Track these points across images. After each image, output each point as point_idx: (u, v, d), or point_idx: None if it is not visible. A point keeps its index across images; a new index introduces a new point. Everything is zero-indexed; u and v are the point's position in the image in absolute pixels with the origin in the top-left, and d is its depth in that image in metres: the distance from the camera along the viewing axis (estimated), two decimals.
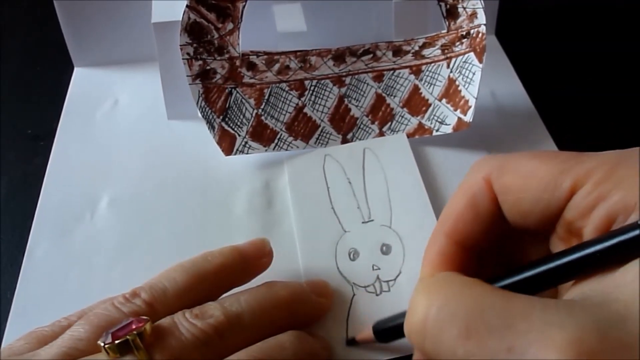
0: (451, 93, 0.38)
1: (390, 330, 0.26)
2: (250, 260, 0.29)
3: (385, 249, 0.32)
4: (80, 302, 0.28)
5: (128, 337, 0.22)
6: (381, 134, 0.38)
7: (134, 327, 0.23)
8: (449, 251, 0.23)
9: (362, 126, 0.38)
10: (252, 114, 0.37)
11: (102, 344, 0.23)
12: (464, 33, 0.37)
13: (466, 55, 0.37)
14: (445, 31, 0.37)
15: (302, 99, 0.37)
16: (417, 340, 0.20)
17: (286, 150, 0.37)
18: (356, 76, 0.38)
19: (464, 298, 0.19)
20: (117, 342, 0.22)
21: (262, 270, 0.29)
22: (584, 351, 0.16)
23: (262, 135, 0.37)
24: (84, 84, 0.44)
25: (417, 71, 0.38)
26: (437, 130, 0.38)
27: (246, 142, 0.37)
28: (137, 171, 0.37)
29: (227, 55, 0.36)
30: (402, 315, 0.24)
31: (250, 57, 0.36)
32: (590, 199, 0.20)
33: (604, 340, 0.16)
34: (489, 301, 0.19)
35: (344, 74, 0.38)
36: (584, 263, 0.19)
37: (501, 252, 0.24)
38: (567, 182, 0.20)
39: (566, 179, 0.20)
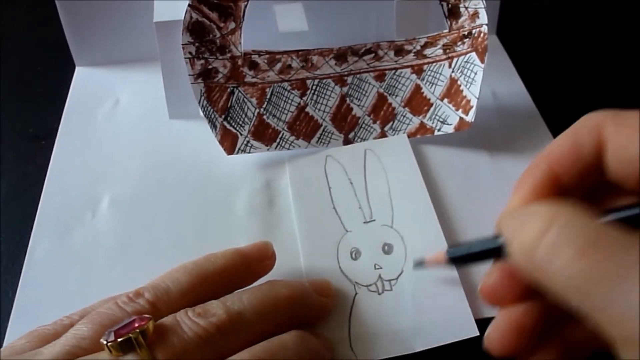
0: (453, 93, 0.38)
1: (467, 257, 0.26)
2: (253, 263, 0.29)
3: (387, 249, 0.32)
4: (82, 301, 0.28)
5: (131, 335, 0.22)
6: (383, 133, 0.38)
7: (136, 325, 0.23)
8: (547, 180, 0.23)
9: (363, 126, 0.38)
10: (254, 113, 0.37)
11: (105, 342, 0.23)
12: (466, 33, 0.37)
13: (468, 55, 0.37)
14: (447, 31, 0.37)
15: (304, 98, 0.37)
16: (526, 254, 0.20)
17: (288, 149, 0.37)
18: (358, 75, 0.38)
19: (584, 221, 0.19)
20: (119, 340, 0.22)
21: (264, 273, 0.30)
22: None
23: (264, 134, 0.37)
24: (86, 83, 0.43)
25: (418, 71, 0.38)
26: (438, 130, 0.38)
27: (248, 142, 0.37)
28: (138, 171, 0.37)
29: (229, 55, 0.35)
30: (482, 242, 0.25)
31: (252, 56, 0.36)
32: None
33: None
34: (609, 230, 0.19)
35: (346, 73, 0.38)
36: None
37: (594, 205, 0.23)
38: None
39: None
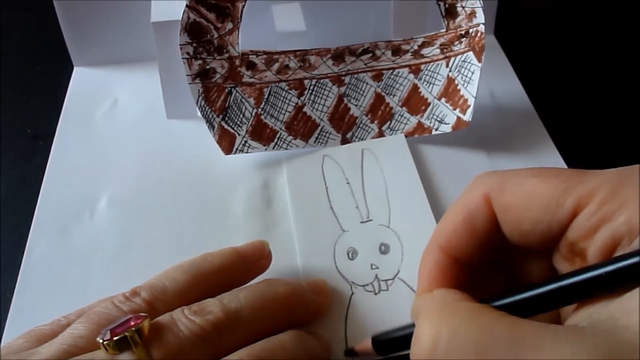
0: (450, 92, 0.38)
1: (389, 343, 0.25)
2: (249, 262, 0.29)
3: (384, 249, 0.32)
4: (79, 301, 0.28)
5: (126, 333, 0.22)
6: (380, 133, 0.38)
7: (132, 323, 0.23)
8: (444, 265, 0.23)
9: (361, 125, 0.38)
10: (251, 113, 0.37)
11: (101, 341, 0.23)
12: (463, 32, 0.37)
13: (465, 55, 0.37)
14: (444, 30, 0.37)
15: (302, 98, 0.38)
16: (421, 354, 0.20)
17: (286, 149, 0.37)
18: (355, 75, 0.38)
19: (473, 327, 0.19)
20: (115, 338, 0.22)
21: (261, 272, 0.30)
22: None
23: (262, 134, 0.37)
24: (84, 83, 0.44)
25: (416, 70, 0.38)
26: (436, 130, 0.38)
27: (246, 142, 0.37)
28: (136, 171, 0.37)
29: (226, 55, 0.36)
30: (402, 329, 0.24)
31: (250, 56, 0.36)
32: (593, 220, 0.19)
33: None
34: (498, 331, 0.18)
35: (344, 73, 0.38)
36: (589, 287, 0.19)
37: (500, 267, 0.24)
38: (569, 202, 0.20)
39: (568, 199, 0.20)
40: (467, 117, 0.37)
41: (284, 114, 0.37)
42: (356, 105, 0.38)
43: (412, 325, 0.23)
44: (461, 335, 0.19)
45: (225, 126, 0.36)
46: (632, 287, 0.18)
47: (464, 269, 0.23)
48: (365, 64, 0.38)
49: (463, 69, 0.37)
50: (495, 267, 0.24)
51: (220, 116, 0.36)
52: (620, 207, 0.19)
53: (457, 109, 0.37)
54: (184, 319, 0.24)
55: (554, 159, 0.38)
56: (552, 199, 0.20)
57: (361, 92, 0.38)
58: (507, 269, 0.24)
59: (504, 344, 0.18)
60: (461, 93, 0.37)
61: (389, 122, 0.38)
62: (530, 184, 0.21)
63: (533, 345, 0.17)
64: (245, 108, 0.37)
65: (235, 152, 0.37)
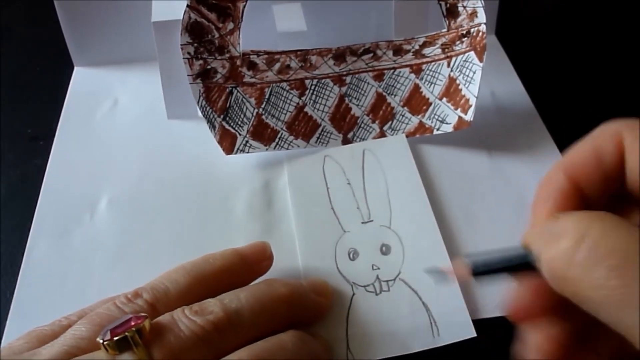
0: (452, 92, 0.37)
1: (496, 268, 0.24)
2: (250, 263, 0.29)
3: (385, 249, 0.32)
4: (80, 302, 0.28)
5: (127, 333, 0.22)
6: (382, 133, 0.38)
7: (132, 324, 0.23)
8: (568, 192, 0.22)
9: (362, 125, 0.38)
10: (252, 113, 0.37)
11: (101, 341, 0.23)
12: (464, 32, 0.37)
13: (466, 54, 0.37)
14: (445, 30, 0.37)
15: (303, 98, 0.37)
16: (560, 269, 0.19)
17: (287, 149, 0.37)
18: (357, 75, 0.38)
19: (621, 233, 0.18)
20: (115, 339, 0.22)
21: (262, 274, 0.30)
22: None
23: (263, 134, 0.37)
24: (84, 83, 0.43)
25: (417, 70, 0.38)
26: (437, 129, 0.38)
27: (247, 142, 0.37)
28: (137, 171, 0.37)
29: (227, 55, 0.35)
30: (507, 256, 0.23)
31: (251, 56, 0.36)
32: None
33: None
34: None
35: (345, 73, 0.38)
36: None
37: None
38: None
39: None
40: (469, 116, 0.37)
41: (285, 114, 0.37)
42: (357, 105, 0.38)
43: (521, 253, 0.22)
44: (611, 238, 0.18)
45: (227, 126, 0.36)
46: None
47: (586, 202, 0.22)
48: (367, 64, 0.38)
49: (464, 69, 0.37)
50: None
51: (222, 116, 0.36)
52: None
53: (459, 109, 0.37)
54: (185, 319, 0.24)
55: (555, 158, 0.38)
56: None
57: (362, 92, 0.38)
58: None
59: None
60: (463, 93, 0.37)
61: (390, 122, 0.38)
62: None
63: None
64: (247, 108, 0.36)
65: (236, 152, 0.36)
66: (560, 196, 0.22)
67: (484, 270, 0.24)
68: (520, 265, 0.22)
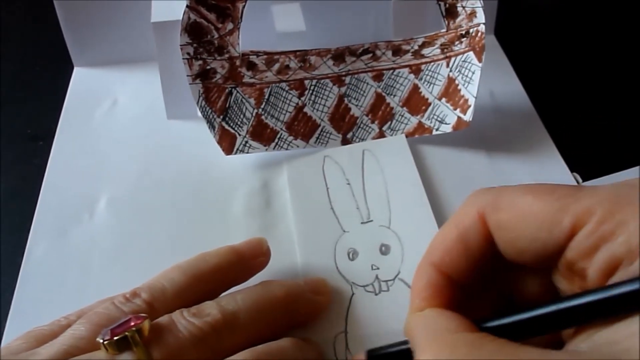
0: (451, 92, 0.38)
1: (384, 358, 0.25)
2: (247, 260, 0.29)
3: (384, 249, 0.32)
4: (79, 301, 0.28)
5: (127, 333, 0.22)
6: (381, 133, 0.38)
7: (132, 324, 0.23)
8: (437, 284, 0.23)
9: (362, 125, 0.38)
10: (252, 114, 0.37)
11: (101, 341, 0.23)
12: (463, 32, 0.37)
13: (465, 54, 0.37)
14: (444, 30, 0.37)
15: (302, 98, 0.37)
16: None
17: (286, 149, 0.37)
18: (356, 76, 0.38)
19: (477, 349, 0.19)
20: (115, 338, 0.22)
21: (259, 269, 0.30)
22: None
23: (263, 134, 0.37)
24: (84, 83, 0.44)
25: (416, 70, 0.38)
26: (436, 130, 0.38)
27: (246, 142, 0.37)
28: (136, 171, 0.37)
29: (227, 55, 0.36)
30: (397, 345, 0.24)
31: (250, 57, 0.36)
32: (592, 240, 0.19)
33: None
34: (499, 354, 0.18)
35: (344, 73, 0.38)
36: (589, 311, 0.19)
37: (494, 284, 0.23)
38: (567, 221, 0.19)
39: (565, 218, 0.19)
40: (468, 117, 0.37)
41: (285, 114, 0.37)
42: (357, 106, 0.38)
43: (406, 342, 0.23)
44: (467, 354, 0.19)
45: (226, 126, 0.36)
46: (633, 313, 0.17)
47: (457, 286, 0.23)
48: (366, 64, 0.38)
49: (463, 69, 0.37)
50: (490, 284, 0.23)
51: (221, 116, 0.36)
52: (619, 226, 0.18)
53: (458, 109, 0.37)
54: (183, 320, 0.24)
55: (554, 159, 0.38)
56: (547, 217, 0.20)
57: (362, 92, 0.38)
58: (502, 286, 0.23)
59: None
60: (462, 93, 0.37)
61: (389, 122, 0.38)
62: (525, 201, 0.21)
63: None
64: (246, 108, 0.37)
65: (235, 153, 0.36)
66: (430, 288, 0.23)
67: (379, 357, 0.25)
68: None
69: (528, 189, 0.21)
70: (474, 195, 0.23)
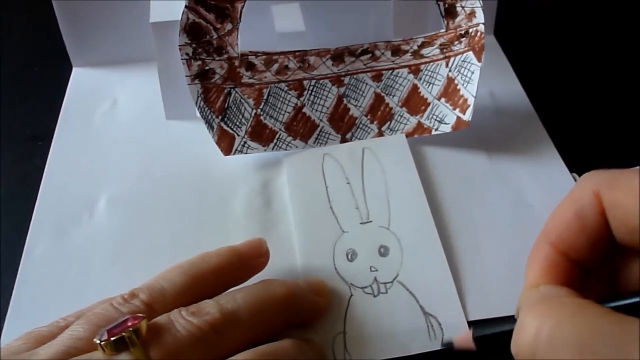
0: (450, 92, 0.37)
1: (491, 338, 0.26)
2: (247, 260, 0.29)
3: (383, 251, 0.32)
4: (78, 302, 0.28)
5: (124, 334, 0.22)
6: (380, 133, 0.38)
7: (129, 324, 0.23)
8: (554, 261, 0.23)
9: (361, 126, 0.38)
10: (251, 114, 0.37)
11: (98, 342, 0.23)
12: (463, 32, 0.37)
13: (465, 54, 0.37)
14: (443, 30, 0.37)
15: (301, 98, 0.37)
16: (523, 353, 0.20)
17: (285, 150, 0.37)
18: (355, 76, 0.38)
19: (577, 322, 0.19)
20: (112, 339, 0.22)
21: (259, 270, 0.30)
22: None
23: (261, 135, 0.37)
24: (83, 84, 0.43)
25: (416, 70, 0.38)
26: (436, 130, 0.38)
27: (245, 142, 0.37)
28: (135, 171, 0.37)
29: (226, 56, 0.35)
30: (504, 323, 0.25)
31: (249, 57, 0.36)
32: None
33: None
34: (602, 327, 0.18)
35: (343, 73, 0.38)
36: None
37: (607, 268, 0.24)
38: None
39: None
40: (467, 116, 0.37)
41: (284, 115, 0.37)
42: (356, 106, 0.38)
43: (514, 321, 0.23)
44: (565, 329, 0.19)
45: (225, 127, 0.36)
46: None
47: (573, 266, 0.23)
48: (365, 65, 0.38)
49: (463, 69, 0.37)
50: (604, 268, 0.24)
51: (220, 117, 0.36)
52: None
53: (457, 109, 0.37)
54: (182, 320, 0.24)
55: (554, 159, 0.38)
56: None
57: (361, 93, 0.38)
58: (616, 273, 0.24)
59: (609, 340, 0.18)
60: (461, 93, 0.37)
61: (388, 123, 0.38)
62: (635, 177, 0.21)
63: (635, 342, 0.17)
64: (245, 109, 0.37)
65: (234, 153, 0.36)
66: (546, 265, 0.23)
67: (486, 336, 0.26)
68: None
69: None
70: (589, 175, 0.23)
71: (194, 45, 0.35)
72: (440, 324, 0.29)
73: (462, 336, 0.27)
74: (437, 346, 0.29)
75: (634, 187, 0.21)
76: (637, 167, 0.22)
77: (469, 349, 0.27)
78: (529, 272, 0.24)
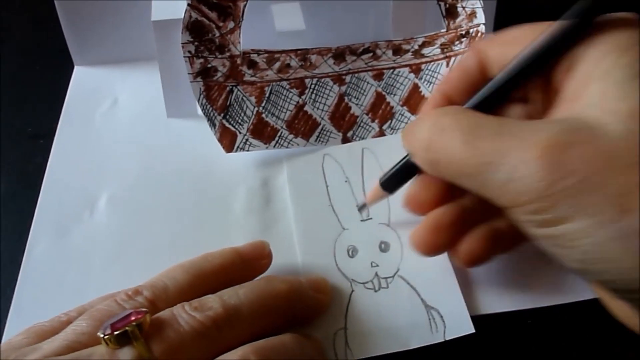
0: None
1: (393, 178, 0.30)
2: (249, 262, 0.29)
3: (384, 247, 0.33)
4: (79, 300, 0.28)
5: (127, 328, 0.22)
6: (381, 132, 0.38)
7: (132, 318, 0.23)
8: (441, 103, 0.29)
9: (362, 124, 0.38)
10: (252, 112, 0.37)
11: (102, 336, 0.23)
12: (463, 32, 0.37)
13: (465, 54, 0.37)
14: (444, 30, 0.37)
15: (303, 97, 0.38)
16: (423, 151, 0.25)
17: (287, 147, 0.37)
18: (356, 75, 0.38)
19: (463, 116, 0.24)
20: (116, 333, 0.22)
21: (261, 272, 0.30)
22: (557, 144, 0.21)
23: (263, 132, 0.37)
24: (84, 82, 0.44)
25: (416, 70, 0.38)
26: None
27: (247, 140, 0.37)
28: (136, 169, 0.37)
29: (228, 54, 0.36)
30: (400, 162, 0.30)
31: (251, 55, 0.36)
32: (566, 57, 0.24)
33: (574, 136, 0.21)
34: (484, 119, 0.24)
35: (344, 72, 0.38)
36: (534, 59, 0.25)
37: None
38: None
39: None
40: None
41: (285, 113, 0.37)
42: (357, 105, 0.38)
43: (407, 156, 0.29)
44: (456, 120, 0.24)
45: (227, 124, 0.36)
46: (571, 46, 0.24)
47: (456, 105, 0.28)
48: (366, 63, 0.38)
49: None
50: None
51: (222, 114, 0.36)
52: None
53: None
54: (184, 315, 0.24)
55: None
56: (528, 38, 0.25)
57: (362, 91, 0.38)
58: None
59: (489, 127, 0.23)
60: None
61: (389, 122, 0.39)
62: (514, 32, 0.27)
63: (509, 126, 0.23)
64: (247, 106, 0.37)
65: (236, 150, 0.37)
66: (435, 105, 0.29)
67: (387, 179, 0.31)
68: (410, 165, 0.29)
69: (518, 27, 0.27)
70: (475, 41, 0.31)
71: (196, 43, 0.35)
72: (442, 316, 0.30)
73: (371, 192, 0.32)
74: (439, 339, 0.29)
75: (507, 39, 0.27)
76: (512, 27, 0.27)
77: (380, 198, 0.32)
78: (422, 110, 0.31)
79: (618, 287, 0.21)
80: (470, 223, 0.28)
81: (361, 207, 0.33)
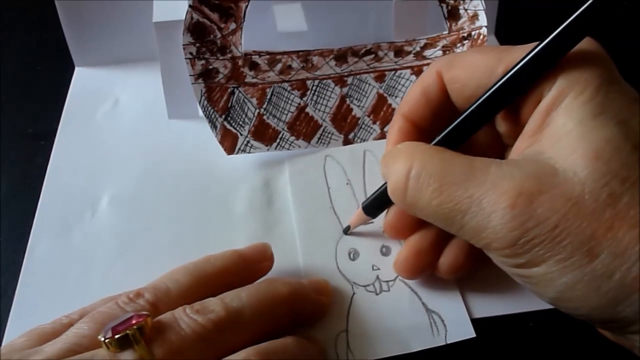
0: None
1: (375, 202, 0.31)
2: (251, 264, 0.29)
3: (385, 250, 0.33)
4: (81, 300, 0.28)
5: (128, 331, 0.22)
6: (383, 134, 0.38)
7: (134, 322, 0.23)
8: (406, 129, 0.29)
9: (363, 126, 0.38)
10: (254, 114, 0.37)
11: (103, 339, 0.23)
12: (465, 34, 0.37)
13: None
14: (446, 32, 0.37)
15: (304, 98, 0.38)
16: (399, 196, 0.26)
17: (288, 149, 0.37)
18: (358, 76, 0.38)
19: (437, 160, 0.25)
20: (117, 336, 0.22)
21: (263, 274, 0.30)
22: (526, 193, 0.22)
23: (264, 134, 0.37)
24: (85, 83, 0.44)
25: (418, 72, 0.38)
26: None
27: (248, 142, 0.37)
28: (138, 170, 0.37)
29: (229, 55, 0.36)
30: (380, 188, 0.30)
31: (253, 57, 0.36)
32: None
33: (541, 184, 0.22)
34: (455, 162, 0.24)
35: (346, 74, 0.38)
36: (498, 98, 0.25)
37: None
38: (501, 69, 0.25)
39: (500, 66, 0.25)
40: None
41: (287, 114, 0.37)
42: (358, 106, 0.38)
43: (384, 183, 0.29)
44: (428, 167, 0.25)
45: (228, 126, 0.36)
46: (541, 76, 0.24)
47: (421, 132, 0.29)
48: (368, 65, 0.38)
49: None
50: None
51: (223, 116, 0.36)
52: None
53: None
54: (186, 318, 0.24)
55: None
56: (488, 67, 0.26)
57: (363, 93, 0.38)
58: None
59: (460, 172, 0.24)
60: None
61: None
62: (473, 58, 0.27)
63: (481, 171, 0.23)
64: (248, 108, 0.37)
65: (237, 152, 0.37)
66: (400, 132, 0.30)
67: (372, 207, 0.31)
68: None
69: (477, 49, 0.29)
70: (435, 60, 0.29)
71: (197, 44, 0.35)
72: (443, 320, 0.30)
73: (354, 216, 0.32)
74: (440, 342, 0.29)
75: (467, 62, 0.27)
76: (471, 48, 0.28)
77: (364, 222, 0.32)
78: (388, 138, 0.30)
79: (593, 320, 0.23)
80: (449, 239, 0.29)
81: (345, 230, 0.33)
